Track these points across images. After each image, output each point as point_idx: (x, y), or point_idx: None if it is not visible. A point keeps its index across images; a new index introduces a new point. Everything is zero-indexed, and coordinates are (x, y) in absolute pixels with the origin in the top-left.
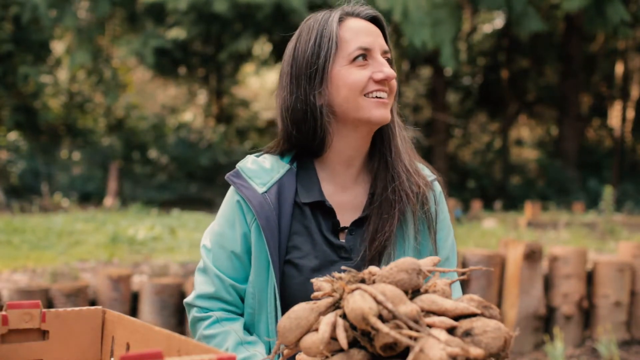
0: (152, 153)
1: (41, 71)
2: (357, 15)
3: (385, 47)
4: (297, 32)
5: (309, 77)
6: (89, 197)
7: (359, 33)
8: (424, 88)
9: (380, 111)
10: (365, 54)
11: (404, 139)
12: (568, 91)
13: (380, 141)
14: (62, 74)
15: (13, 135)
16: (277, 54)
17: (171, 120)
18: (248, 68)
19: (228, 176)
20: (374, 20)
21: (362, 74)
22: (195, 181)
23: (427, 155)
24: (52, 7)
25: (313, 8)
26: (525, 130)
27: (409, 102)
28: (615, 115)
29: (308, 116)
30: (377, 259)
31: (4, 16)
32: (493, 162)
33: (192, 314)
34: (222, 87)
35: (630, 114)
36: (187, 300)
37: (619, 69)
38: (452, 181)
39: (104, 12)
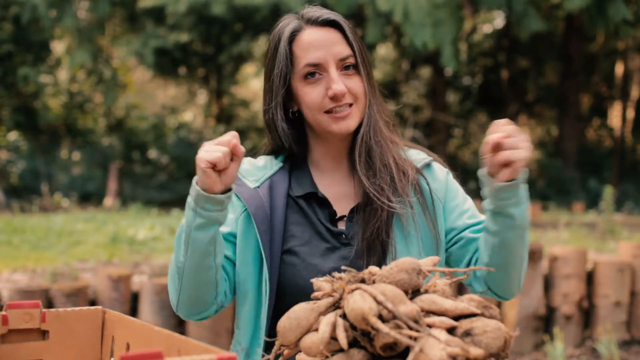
0: (152, 153)
1: (41, 71)
2: (314, 23)
3: (343, 54)
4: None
5: (274, 91)
6: (89, 197)
7: (309, 48)
8: (424, 88)
9: (338, 125)
10: (315, 71)
11: (385, 137)
12: (568, 91)
13: (356, 140)
14: (62, 74)
15: (13, 135)
16: None
17: (171, 120)
18: (248, 68)
19: None
20: (333, 24)
21: (316, 93)
22: None
23: None
24: (52, 7)
25: None
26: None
27: (409, 102)
28: (615, 115)
29: (275, 128)
30: (375, 247)
31: (4, 16)
32: None
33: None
34: (222, 87)
35: (630, 114)
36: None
37: (619, 69)
38: None
39: (104, 12)
